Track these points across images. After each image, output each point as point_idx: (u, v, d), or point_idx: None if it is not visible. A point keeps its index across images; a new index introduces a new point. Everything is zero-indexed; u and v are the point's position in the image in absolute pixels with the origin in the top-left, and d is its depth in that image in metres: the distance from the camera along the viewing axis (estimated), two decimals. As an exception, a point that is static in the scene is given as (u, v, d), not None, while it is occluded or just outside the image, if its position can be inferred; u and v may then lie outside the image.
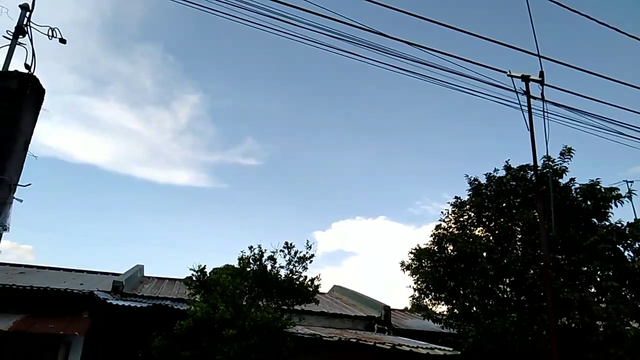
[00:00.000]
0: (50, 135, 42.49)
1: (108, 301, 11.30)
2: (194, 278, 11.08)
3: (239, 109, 47.68)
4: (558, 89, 8.57)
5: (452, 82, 8.49)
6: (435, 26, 7.50)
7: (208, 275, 11.20)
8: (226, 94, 47.88)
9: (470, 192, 14.58)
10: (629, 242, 12.20)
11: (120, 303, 11.32)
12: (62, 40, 4.85)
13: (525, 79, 8.62)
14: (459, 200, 14.79)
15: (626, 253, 12.26)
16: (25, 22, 4.53)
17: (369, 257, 51.72)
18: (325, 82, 47.85)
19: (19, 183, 3.98)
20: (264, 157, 49.24)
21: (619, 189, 12.59)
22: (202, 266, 11.13)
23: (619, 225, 12.36)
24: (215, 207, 50.94)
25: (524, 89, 8.65)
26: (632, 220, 12.41)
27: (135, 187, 48.45)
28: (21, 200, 3.91)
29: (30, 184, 4.10)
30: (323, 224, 58.68)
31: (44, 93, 4.33)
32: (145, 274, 17.52)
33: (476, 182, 14.45)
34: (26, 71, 4.39)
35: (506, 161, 14.02)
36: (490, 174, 14.25)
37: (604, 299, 11.82)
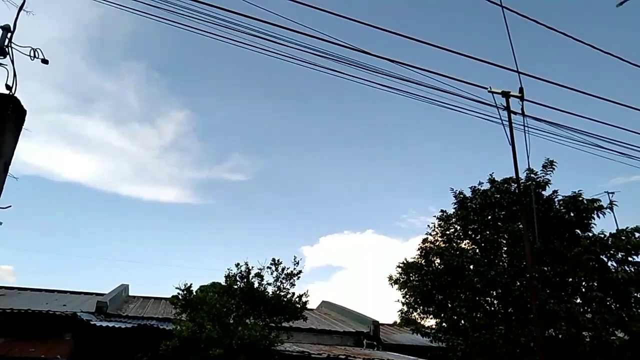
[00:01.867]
0: (34, 153, 41.86)
1: (91, 322, 11.07)
2: (180, 297, 10.94)
3: (225, 125, 47.60)
4: (538, 104, 8.80)
5: (435, 98, 8.64)
6: (417, 44, 7.65)
7: (194, 293, 11.06)
8: (212, 111, 47.86)
9: (455, 206, 14.71)
10: (612, 252, 12.36)
11: (104, 324, 11.10)
12: (45, 61, 4.84)
13: (506, 94, 8.82)
14: (445, 214, 14.89)
15: (609, 263, 12.42)
16: (6, 43, 4.52)
17: (357, 271, 51.55)
18: (312, 97, 48.18)
19: (-2, 205, 3.92)
20: (251, 173, 49.11)
21: (600, 200, 12.82)
22: (188, 284, 11.01)
23: (602, 236, 12.54)
24: (202, 224, 50.44)
25: (505, 104, 8.85)
26: (614, 231, 12.61)
27: (120, 205, 47.77)
28: (0, 223, 3.85)
29: (10, 206, 4.05)
30: (311, 239, 58.55)
31: (25, 114, 4.30)
32: (130, 294, 17.23)
33: (461, 196, 14.59)
34: (7, 92, 4.36)
35: (490, 174, 14.25)
36: (475, 187, 14.42)
37: (589, 310, 11.94)
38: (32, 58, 4.77)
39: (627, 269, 12.02)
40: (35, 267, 43.62)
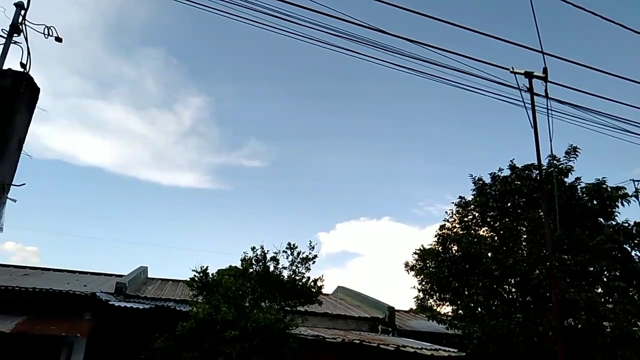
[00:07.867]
0: (55, 138, 42.69)
1: (110, 302, 11.28)
2: (197, 279, 11.06)
3: (243, 111, 47.72)
4: (562, 85, 8.45)
5: (455, 79, 8.40)
6: (437, 23, 7.42)
7: (211, 276, 11.17)
8: (230, 97, 47.91)
9: (474, 192, 14.45)
10: (635, 241, 12.03)
11: (122, 304, 11.30)
12: (58, 39, 4.81)
13: (529, 75, 8.47)
14: (463, 200, 14.65)
15: (633, 253, 12.11)
16: (20, 21, 4.50)
17: (373, 258, 51.51)
18: (330, 84, 47.77)
19: (13, 183, 3.94)
20: (268, 159, 49.23)
21: (625, 188, 12.45)
22: (205, 267, 11.12)
23: (626, 224, 12.20)
24: (220, 209, 50.98)
25: (527, 85, 8.52)
26: (639, 220, 12.25)
27: (139, 189, 48.55)
28: (15, 200, 3.87)
29: (24, 184, 4.06)
30: (327, 225, 58.69)
31: (38, 92, 4.29)
32: (149, 276, 17.51)
33: (480, 182, 14.31)
34: (21, 70, 4.35)
35: (511, 160, 13.92)
36: (494, 173, 14.11)
37: (610, 300, 11.68)
38: (46, 36, 4.75)
39: (652, 259, 11.68)
40: (59, 249, 44.87)
